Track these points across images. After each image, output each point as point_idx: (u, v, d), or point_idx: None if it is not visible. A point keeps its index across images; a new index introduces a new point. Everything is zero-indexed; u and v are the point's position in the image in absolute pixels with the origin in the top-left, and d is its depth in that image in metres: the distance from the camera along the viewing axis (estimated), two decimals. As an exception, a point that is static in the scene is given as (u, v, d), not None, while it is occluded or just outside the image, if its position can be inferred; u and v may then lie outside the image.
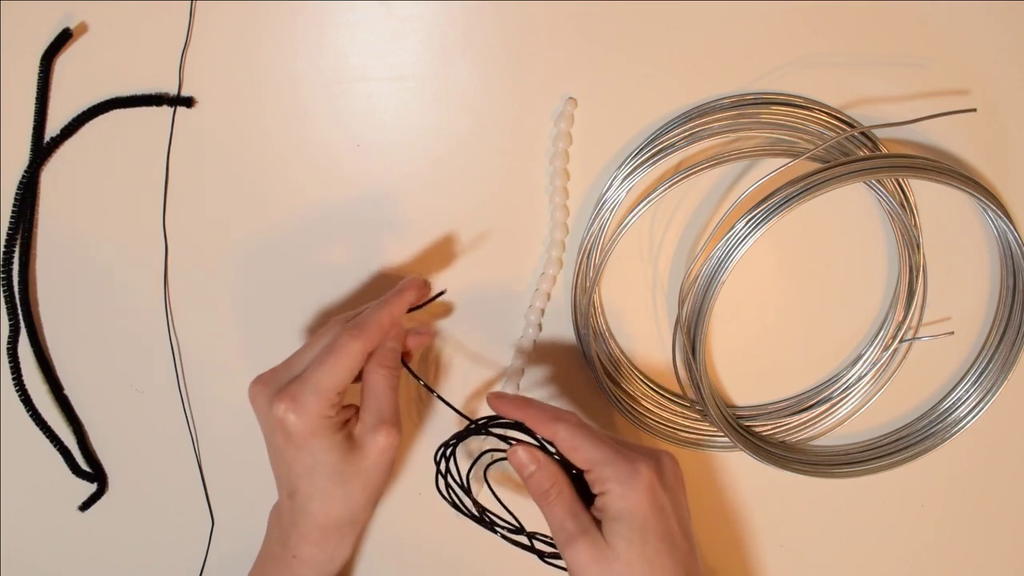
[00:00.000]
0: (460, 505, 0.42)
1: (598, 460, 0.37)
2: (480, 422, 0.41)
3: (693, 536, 0.39)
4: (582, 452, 0.37)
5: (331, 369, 0.38)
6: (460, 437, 0.41)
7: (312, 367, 0.39)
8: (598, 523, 0.37)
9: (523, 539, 0.41)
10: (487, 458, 0.42)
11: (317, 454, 0.39)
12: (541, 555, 0.41)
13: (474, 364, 0.49)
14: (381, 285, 0.47)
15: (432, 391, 0.42)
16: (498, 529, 0.42)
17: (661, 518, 0.37)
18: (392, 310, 0.40)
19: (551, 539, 0.40)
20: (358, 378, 0.41)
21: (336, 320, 0.41)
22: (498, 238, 0.47)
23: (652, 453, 0.39)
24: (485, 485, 0.43)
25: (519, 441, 0.39)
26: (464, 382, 0.49)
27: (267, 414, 0.39)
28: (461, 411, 0.41)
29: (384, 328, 0.40)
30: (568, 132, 0.44)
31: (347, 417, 0.40)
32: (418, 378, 0.42)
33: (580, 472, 0.39)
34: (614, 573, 0.36)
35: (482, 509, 0.42)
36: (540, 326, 0.48)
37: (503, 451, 0.40)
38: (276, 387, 0.39)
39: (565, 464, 0.39)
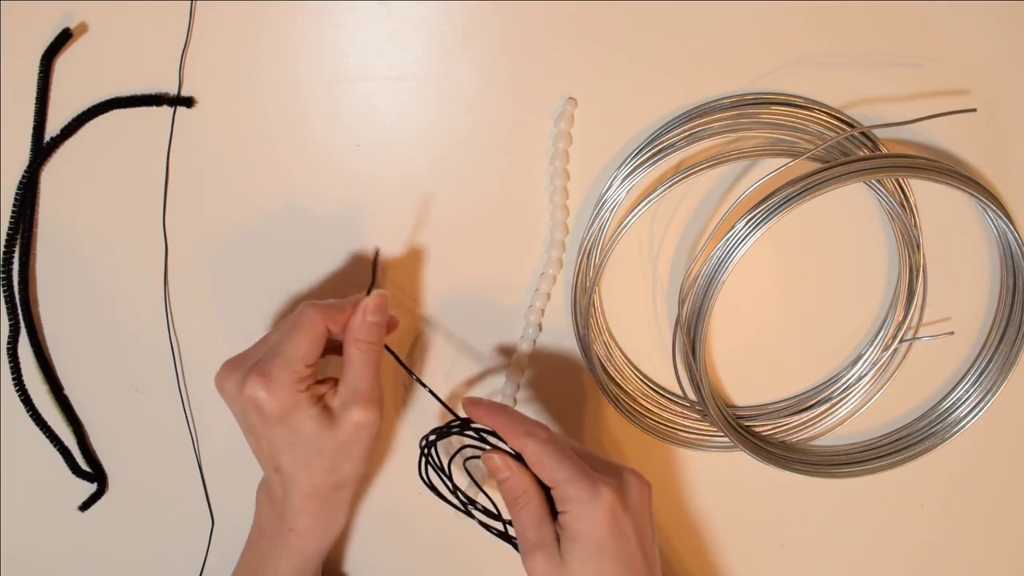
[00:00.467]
0: (438, 490, 0.43)
1: (561, 479, 0.37)
2: (456, 422, 0.41)
3: (655, 559, 0.40)
4: (547, 470, 0.38)
5: (295, 340, 0.38)
6: (440, 434, 0.41)
7: (277, 343, 0.39)
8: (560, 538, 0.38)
9: (498, 525, 0.42)
10: (467, 452, 0.42)
11: (294, 427, 0.39)
12: (515, 543, 0.41)
13: (474, 364, 0.49)
14: (381, 285, 0.47)
15: (416, 378, 0.42)
16: (475, 514, 0.42)
17: (621, 542, 0.37)
18: (359, 303, 0.40)
19: None
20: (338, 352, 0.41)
21: (302, 303, 0.41)
22: (498, 238, 0.47)
23: (617, 473, 0.39)
24: (467, 476, 0.44)
25: (494, 447, 0.40)
26: (464, 382, 0.49)
27: (238, 397, 0.39)
28: (446, 403, 0.41)
29: (346, 303, 0.40)
30: (568, 132, 0.44)
31: (323, 392, 0.40)
32: (403, 364, 0.42)
33: None
34: None
35: (460, 494, 0.43)
36: (540, 326, 0.48)
37: (481, 450, 0.40)
38: (244, 370, 0.39)
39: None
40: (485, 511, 0.42)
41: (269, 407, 0.38)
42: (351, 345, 0.40)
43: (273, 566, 0.43)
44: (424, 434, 0.42)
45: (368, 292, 0.42)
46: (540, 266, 0.47)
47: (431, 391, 0.42)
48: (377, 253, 0.45)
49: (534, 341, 0.48)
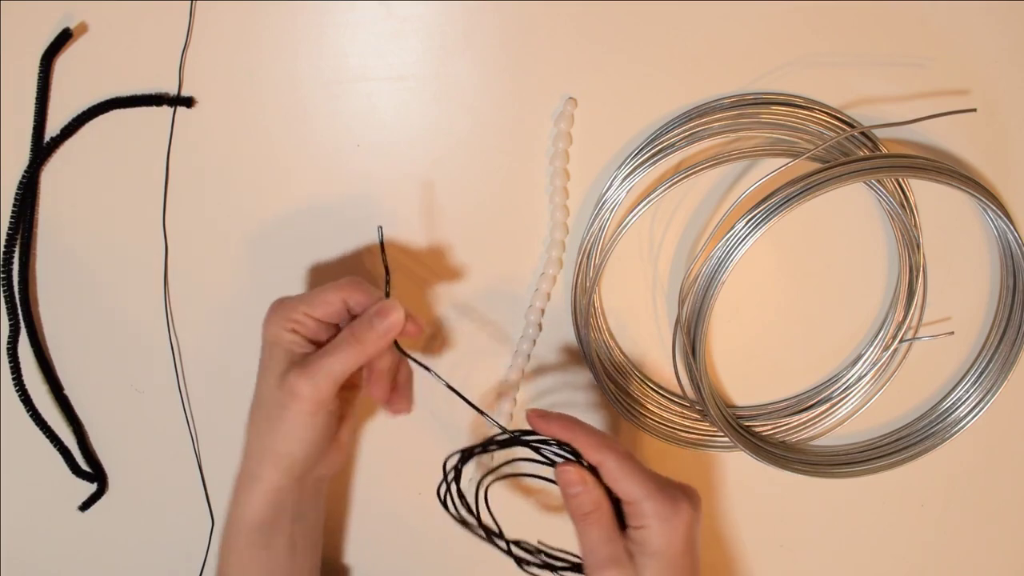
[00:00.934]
0: (466, 520, 0.41)
1: (642, 495, 0.37)
2: (499, 437, 0.40)
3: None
4: (625, 485, 0.37)
5: (315, 292, 0.40)
6: (474, 453, 0.40)
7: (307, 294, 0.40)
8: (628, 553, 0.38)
9: (533, 558, 0.41)
10: (487, 475, 0.42)
11: (272, 358, 0.39)
12: (556, 568, 0.41)
13: (474, 364, 0.49)
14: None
15: (461, 395, 0.41)
16: (515, 552, 0.41)
17: (690, 558, 0.38)
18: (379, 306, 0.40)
19: (566, 558, 0.41)
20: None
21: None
22: (498, 238, 0.47)
23: (690, 492, 0.39)
24: (482, 503, 0.42)
25: (566, 460, 0.39)
26: (464, 383, 0.49)
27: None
28: (488, 414, 0.40)
29: (372, 297, 0.39)
30: (568, 132, 0.44)
31: (304, 352, 0.40)
32: (443, 379, 0.41)
33: (618, 499, 0.39)
34: None
35: (495, 530, 0.41)
36: (540, 326, 0.48)
37: (540, 462, 0.39)
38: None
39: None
40: (521, 545, 0.41)
41: (264, 333, 0.40)
42: (347, 329, 0.39)
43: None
44: (451, 454, 0.40)
45: (386, 273, 0.42)
46: (540, 266, 0.47)
47: (477, 407, 0.41)
48: (380, 231, 0.43)
49: (534, 341, 0.48)
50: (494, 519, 0.41)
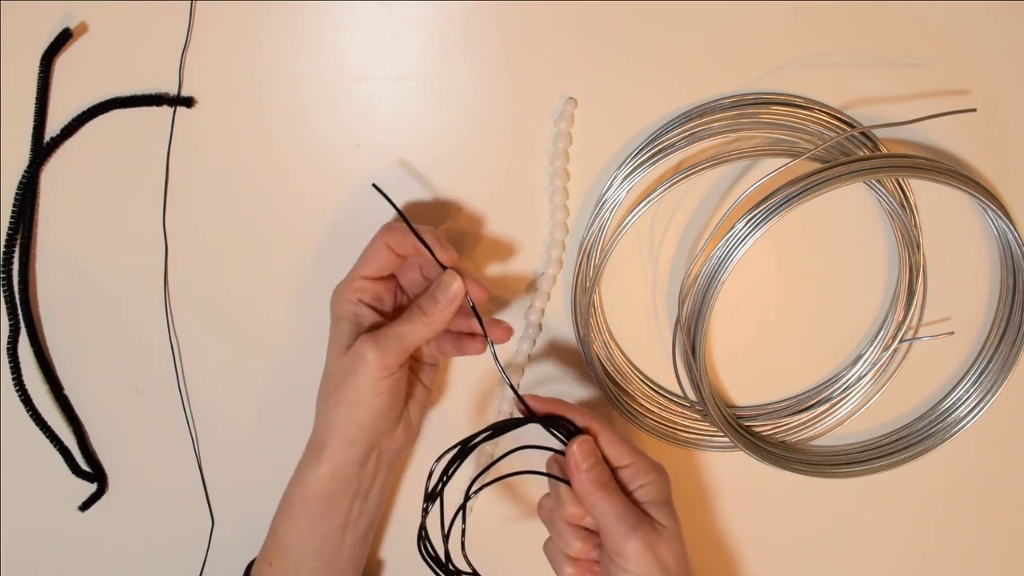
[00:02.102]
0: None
1: (636, 455, 0.41)
2: (519, 420, 0.41)
3: None
4: (620, 449, 0.41)
5: (362, 255, 0.42)
6: (498, 431, 0.40)
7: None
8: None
9: None
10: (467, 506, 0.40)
11: (339, 330, 0.41)
12: None
13: (475, 364, 0.49)
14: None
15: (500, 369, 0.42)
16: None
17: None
18: (426, 234, 0.40)
19: None
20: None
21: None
22: (498, 238, 0.47)
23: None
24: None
25: (570, 437, 0.40)
26: (465, 383, 0.49)
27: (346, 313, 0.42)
28: (517, 391, 0.41)
29: (409, 238, 0.40)
30: (568, 132, 0.44)
31: (372, 317, 0.42)
32: (483, 326, 0.41)
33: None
34: (668, 550, 0.39)
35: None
36: (540, 326, 0.48)
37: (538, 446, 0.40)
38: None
39: None
40: None
41: (332, 307, 0.42)
42: (415, 304, 0.41)
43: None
44: (446, 450, 0.40)
45: (408, 224, 0.40)
46: (540, 266, 0.47)
47: (511, 385, 0.42)
48: (377, 188, 0.41)
49: (534, 341, 0.48)
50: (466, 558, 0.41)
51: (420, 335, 0.40)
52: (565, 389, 0.49)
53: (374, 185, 0.41)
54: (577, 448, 0.40)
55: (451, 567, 0.40)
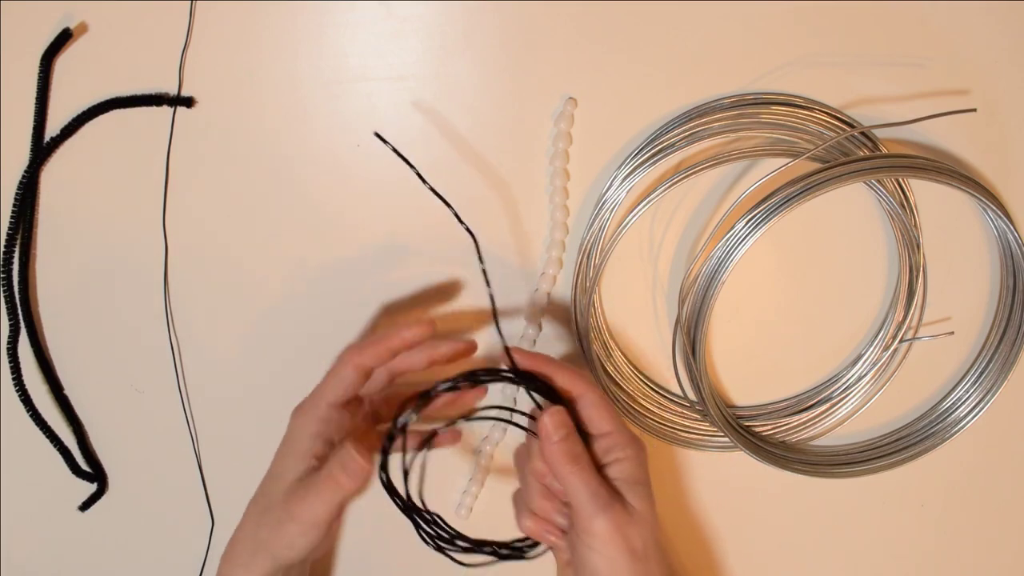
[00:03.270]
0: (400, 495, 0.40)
1: (616, 426, 0.39)
2: (483, 374, 0.39)
3: None
4: (602, 416, 0.39)
5: (326, 378, 0.40)
6: (471, 381, 0.39)
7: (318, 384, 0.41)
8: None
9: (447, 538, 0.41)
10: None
11: (285, 465, 0.39)
12: (499, 555, 0.41)
13: (474, 364, 0.49)
14: (380, 285, 0.47)
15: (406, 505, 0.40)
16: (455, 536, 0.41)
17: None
18: (390, 334, 0.40)
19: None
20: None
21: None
22: (498, 238, 0.47)
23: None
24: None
25: (539, 408, 0.39)
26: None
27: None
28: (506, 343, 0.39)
29: (379, 347, 0.39)
30: (568, 132, 0.44)
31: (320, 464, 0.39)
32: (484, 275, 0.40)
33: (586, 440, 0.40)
34: (637, 533, 0.37)
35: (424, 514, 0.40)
36: (540, 326, 0.48)
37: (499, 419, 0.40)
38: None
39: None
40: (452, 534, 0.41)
41: (286, 435, 0.40)
42: (328, 465, 0.38)
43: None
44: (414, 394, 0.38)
45: (413, 168, 0.39)
46: (540, 266, 0.47)
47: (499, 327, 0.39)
48: (379, 136, 0.40)
49: (534, 341, 0.48)
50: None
51: (338, 501, 0.38)
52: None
53: (376, 134, 0.39)
54: (549, 418, 0.38)
55: (408, 500, 0.40)
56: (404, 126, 0.45)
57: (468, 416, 0.40)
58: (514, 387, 0.45)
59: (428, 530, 0.40)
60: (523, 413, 0.41)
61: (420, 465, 0.39)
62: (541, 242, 0.47)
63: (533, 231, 0.47)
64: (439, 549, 0.40)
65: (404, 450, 0.39)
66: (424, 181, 0.39)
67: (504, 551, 0.41)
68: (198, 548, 0.50)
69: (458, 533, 0.41)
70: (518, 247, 0.47)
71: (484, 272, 0.39)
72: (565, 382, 0.40)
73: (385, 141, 0.39)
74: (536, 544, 0.42)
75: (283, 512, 0.38)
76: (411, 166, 0.39)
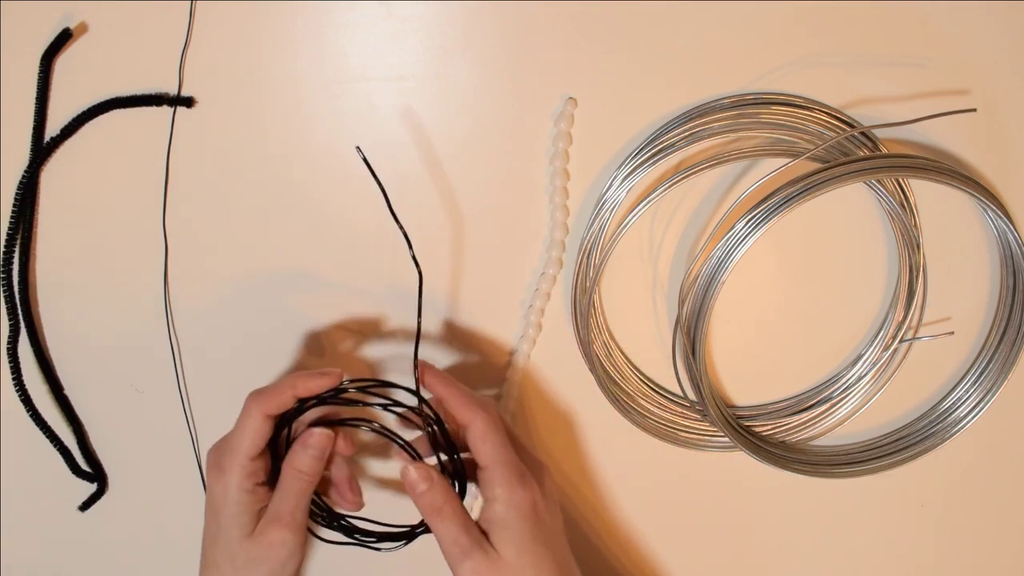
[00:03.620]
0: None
1: (495, 460, 0.38)
2: (311, 401, 0.40)
3: (567, 546, 0.41)
4: (488, 448, 0.38)
5: (238, 431, 0.39)
6: (322, 401, 0.40)
7: (229, 434, 0.40)
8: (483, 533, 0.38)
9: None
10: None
11: (220, 524, 0.39)
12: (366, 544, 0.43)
13: (473, 365, 0.49)
14: (379, 286, 0.47)
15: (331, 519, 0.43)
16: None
17: (543, 531, 0.38)
18: (296, 380, 0.40)
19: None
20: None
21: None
22: (498, 238, 0.47)
23: (538, 467, 0.41)
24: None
25: (411, 459, 0.40)
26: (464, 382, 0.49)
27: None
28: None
29: (284, 394, 0.39)
30: (568, 132, 0.44)
31: (264, 503, 0.40)
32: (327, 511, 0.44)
33: (459, 474, 0.40)
34: None
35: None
36: (540, 326, 0.48)
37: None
38: (214, 455, 0.40)
39: (457, 472, 0.40)
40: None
41: (213, 495, 0.39)
42: (287, 467, 0.40)
43: None
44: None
45: (383, 193, 0.39)
46: (540, 266, 0.47)
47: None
48: (360, 151, 0.40)
49: (534, 341, 0.48)
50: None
51: (308, 493, 0.40)
52: (565, 389, 0.49)
53: (357, 148, 0.39)
54: (414, 471, 0.38)
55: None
56: (404, 126, 0.45)
57: (345, 421, 0.42)
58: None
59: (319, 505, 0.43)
60: (399, 440, 0.41)
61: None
62: (541, 242, 0.47)
63: (533, 231, 0.47)
64: (329, 526, 0.43)
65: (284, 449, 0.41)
66: (389, 205, 0.39)
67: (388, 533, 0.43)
68: (198, 548, 0.50)
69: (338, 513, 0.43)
70: (518, 247, 0.47)
71: (419, 311, 0.40)
72: (456, 408, 0.40)
73: (364, 158, 0.39)
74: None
75: (257, 551, 0.38)
76: (381, 187, 0.39)
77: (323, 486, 0.43)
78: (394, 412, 0.41)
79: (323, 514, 0.43)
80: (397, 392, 0.41)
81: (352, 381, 0.41)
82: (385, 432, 0.41)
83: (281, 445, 0.41)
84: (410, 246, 0.39)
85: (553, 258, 0.46)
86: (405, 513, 0.42)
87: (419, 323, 0.40)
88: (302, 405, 0.40)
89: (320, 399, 0.40)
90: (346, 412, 0.43)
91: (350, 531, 0.43)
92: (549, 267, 0.46)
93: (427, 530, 0.40)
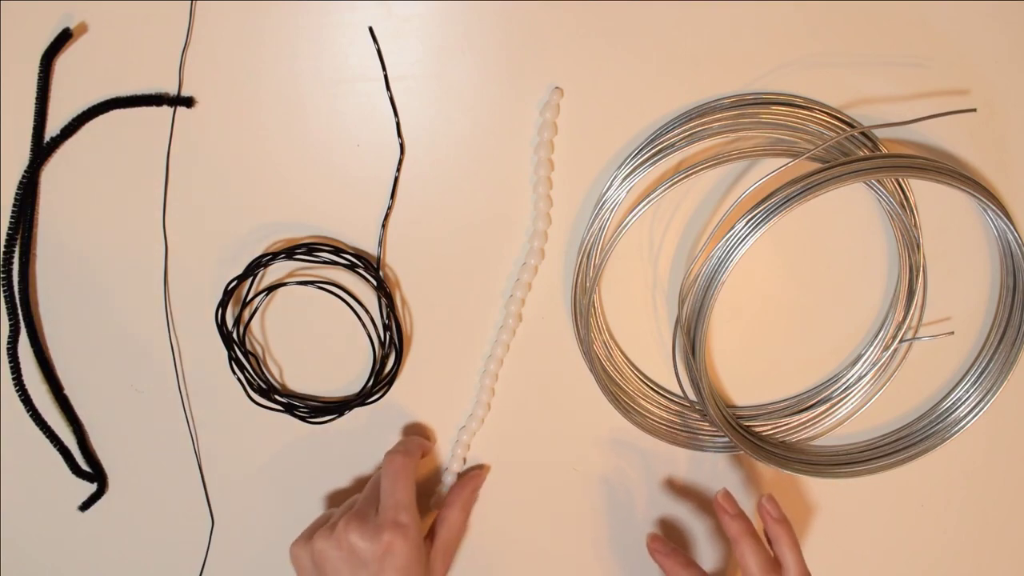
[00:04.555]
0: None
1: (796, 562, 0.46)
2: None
3: None
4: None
5: (404, 490, 0.43)
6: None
7: (388, 495, 0.42)
8: None
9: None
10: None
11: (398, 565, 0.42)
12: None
13: (451, 357, 0.49)
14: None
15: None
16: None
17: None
18: (426, 447, 0.48)
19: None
20: None
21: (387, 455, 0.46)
22: (490, 232, 0.47)
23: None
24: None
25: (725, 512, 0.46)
26: (442, 375, 0.49)
27: (361, 549, 0.41)
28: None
29: (419, 456, 0.46)
30: (553, 122, 0.44)
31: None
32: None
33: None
34: None
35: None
36: (520, 316, 0.48)
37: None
38: (343, 527, 0.41)
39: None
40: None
41: (403, 553, 0.41)
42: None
43: None
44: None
45: (386, 80, 0.41)
46: (522, 256, 0.47)
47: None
48: (371, 30, 0.42)
49: (514, 331, 0.48)
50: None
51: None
52: (565, 389, 0.49)
53: (369, 28, 0.41)
54: (722, 499, 0.47)
55: (236, 340, 0.47)
56: (404, 126, 0.45)
57: (305, 282, 0.46)
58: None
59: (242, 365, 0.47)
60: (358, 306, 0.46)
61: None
62: (524, 232, 0.47)
63: (516, 222, 0.46)
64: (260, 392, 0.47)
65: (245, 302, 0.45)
66: (387, 83, 0.41)
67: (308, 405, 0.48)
68: (198, 548, 0.50)
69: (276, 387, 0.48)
70: (500, 238, 0.47)
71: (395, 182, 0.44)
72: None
73: (375, 39, 0.41)
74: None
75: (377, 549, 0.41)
76: (385, 73, 0.42)
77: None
78: (357, 273, 0.46)
79: (263, 386, 0.47)
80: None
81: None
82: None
83: None
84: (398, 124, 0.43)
85: (535, 248, 0.46)
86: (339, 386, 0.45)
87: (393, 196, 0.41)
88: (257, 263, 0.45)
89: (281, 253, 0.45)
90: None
91: (289, 407, 0.47)
92: (531, 257, 0.46)
93: (360, 404, 0.47)
